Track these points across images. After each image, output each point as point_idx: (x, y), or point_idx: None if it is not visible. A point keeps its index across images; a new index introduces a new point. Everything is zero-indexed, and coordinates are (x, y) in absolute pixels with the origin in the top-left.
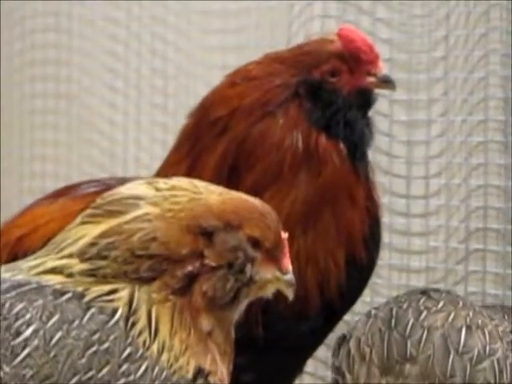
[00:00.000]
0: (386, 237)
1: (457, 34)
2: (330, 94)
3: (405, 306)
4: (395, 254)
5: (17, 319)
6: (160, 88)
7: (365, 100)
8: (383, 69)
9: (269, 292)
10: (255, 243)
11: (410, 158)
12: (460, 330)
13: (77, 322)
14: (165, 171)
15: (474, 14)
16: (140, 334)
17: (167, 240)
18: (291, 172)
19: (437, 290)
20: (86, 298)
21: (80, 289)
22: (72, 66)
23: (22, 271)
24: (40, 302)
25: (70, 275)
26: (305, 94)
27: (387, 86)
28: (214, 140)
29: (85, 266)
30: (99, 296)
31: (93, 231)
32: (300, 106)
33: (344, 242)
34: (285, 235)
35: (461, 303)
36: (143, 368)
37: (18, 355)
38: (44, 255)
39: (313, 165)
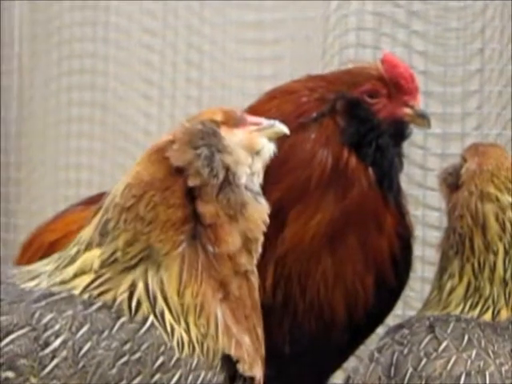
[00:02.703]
0: (418, 250)
1: (492, 47)
2: (365, 112)
3: (406, 350)
4: (428, 267)
5: (45, 330)
6: (195, 98)
7: (398, 130)
8: (421, 103)
9: (266, 148)
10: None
11: None
12: (459, 379)
13: (106, 333)
14: None
15: (508, 27)
16: (173, 331)
17: (140, 178)
18: (318, 191)
19: (446, 320)
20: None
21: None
22: (108, 75)
23: (43, 279)
24: (70, 312)
25: (95, 272)
26: (341, 111)
27: (422, 122)
28: None
29: (100, 252)
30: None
31: (87, 230)
32: (335, 121)
33: (372, 266)
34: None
35: (466, 339)
36: (176, 377)
37: (45, 366)
38: (52, 261)
39: (340, 185)
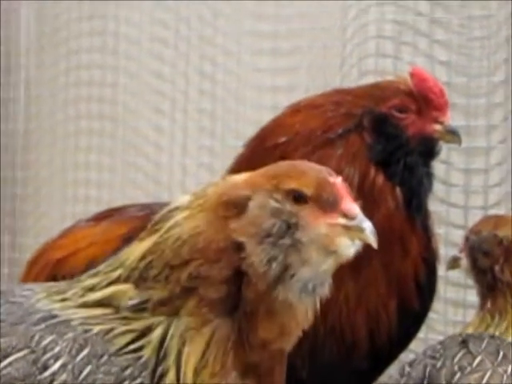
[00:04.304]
0: (441, 270)
1: None
2: (394, 128)
3: (439, 364)
4: (451, 288)
5: (45, 352)
6: (208, 111)
7: (428, 148)
8: (450, 119)
9: (345, 249)
10: (296, 197)
11: (468, 186)
12: None
13: (106, 357)
14: None
15: None
16: None
17: (196, 239)
18: None
19: (479, 337)
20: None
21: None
22: (118, 87)
23: (71, 301)
24: (70, 335)
25: (117, 309)
26: (368, 126)
27: (453, 139)
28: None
29: (132, 294)
30: (127, 344)
31: (135, 252)
32: (362, 137)
33: (396, 291)
34: (338, 178)
35: (501, 354)
36: None
37: None
38: (99, 274)
39: (366, 205)
